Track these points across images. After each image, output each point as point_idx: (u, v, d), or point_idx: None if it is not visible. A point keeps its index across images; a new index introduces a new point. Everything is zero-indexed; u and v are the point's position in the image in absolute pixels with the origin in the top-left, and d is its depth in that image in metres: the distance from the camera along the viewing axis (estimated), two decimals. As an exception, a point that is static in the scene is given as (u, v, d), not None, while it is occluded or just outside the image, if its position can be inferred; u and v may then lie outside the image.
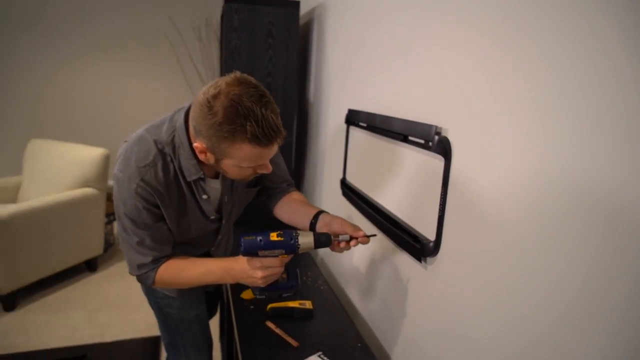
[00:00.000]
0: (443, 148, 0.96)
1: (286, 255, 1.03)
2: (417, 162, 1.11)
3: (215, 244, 1.32)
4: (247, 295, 1.51)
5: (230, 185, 1.20)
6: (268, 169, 1.04)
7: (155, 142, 1.05)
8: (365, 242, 1.06)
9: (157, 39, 3.90)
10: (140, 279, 1.15)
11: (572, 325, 0.64)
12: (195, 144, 0.98)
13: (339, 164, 1.71)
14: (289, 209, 1.30)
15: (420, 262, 1.06)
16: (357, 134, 1.54)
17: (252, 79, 0.95)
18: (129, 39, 3.90)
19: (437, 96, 1.01)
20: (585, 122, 0.62)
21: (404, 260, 1.17)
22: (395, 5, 1.23)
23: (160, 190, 1.05)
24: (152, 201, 1.05)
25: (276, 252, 1.01)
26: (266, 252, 1.01)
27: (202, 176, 1.09)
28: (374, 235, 1.08)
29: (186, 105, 1.08)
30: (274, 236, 1.00)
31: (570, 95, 0.64)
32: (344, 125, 1.63)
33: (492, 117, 0.82)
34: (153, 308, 1.42)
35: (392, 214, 1.24)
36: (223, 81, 0.93)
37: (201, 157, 1.00)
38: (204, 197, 1.13)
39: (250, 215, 1.55)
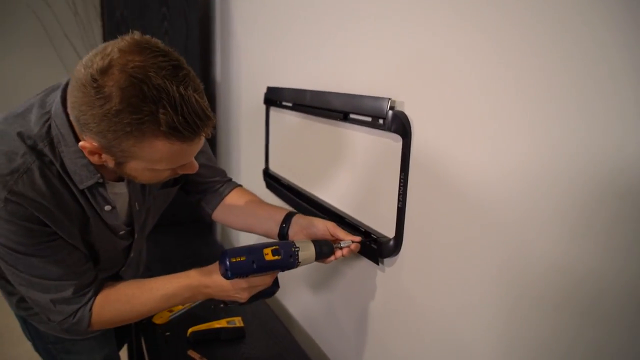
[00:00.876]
0: (400, 125, 0.78)
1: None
2: (363, 144, 0.93)
3: (127, 264, 1.01)
4: (160, 319, 1.23)
5: (140, 188, 0.91)
6: (193, 168, 0.77)
7: (21, 136, 0.73)
8: (357, 250, 0.88)
9: (19, 14, 3.24)
10: (68, 326, 0.81)
11: (573, 323, 0.50)
12: (81, 143, 0.68)
13: (260, 152, 1.47)
14: (241, 212, 1.03)
15: (378, 264, 0.89)
16: (280, 115, 1.32)
17: (159, 43, 0.66)
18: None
19: (387, 63, 0.83)
20: (588, 79, 0.47)
21: (355, 262, 0.99)
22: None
23: (45, 205, 0.73)
24: (31, 220, 0.73)
25: (270, 272, 0.82)
26: (259, 275, 0.80)
27: (100, 180, 0.78)
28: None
29: (62, 82, 0.76)
30: (269, 254, 0.79)
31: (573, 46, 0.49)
32: (263, 107, 1.40)
33: (462, 84, 0.66)
34: (43, 356, 1.08)
35: (336, 209, 1.04)
36: (115, 47, 0.63)
37: (93, 159, 0.71)
38: (107, 208, 0.83)
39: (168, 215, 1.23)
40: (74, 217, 0.79)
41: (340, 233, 0.87)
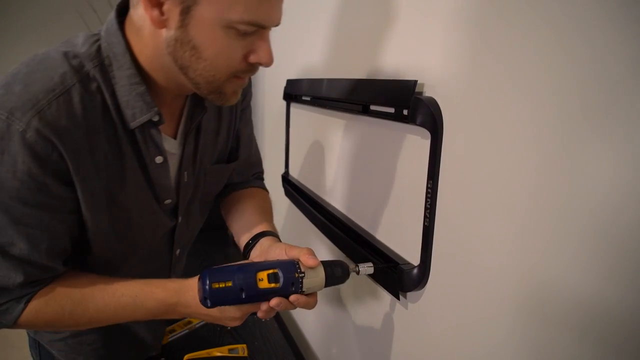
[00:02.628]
0: (428, 116, 0.58)
1: None
2: (385, 144, 0.73)
3: (172, 268, 0.83)
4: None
5: (192, 152, 0.74)
6: (268, 55, 0.60)
7: (67, 55, 0.58)
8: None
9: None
10: None
11: None
12: None
13: (280, 155, 1.31)
14: (236, 214, 0.85)
15: (399, 298, 0.68)
16: (300, 112, 1.15)
17: None
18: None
19: (413, 30, 0.64)
20: None
21: (378, 293, 0.79)
22: None
23: (76, 140, 0.56)
24: (52, 164, 0.56)
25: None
26: (250, 304, 0.63)
27: (156, 118, 0.62)
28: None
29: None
30: (264, 281, 0.60)
31: None
32: (283, 103, 1.23)
33: (522, 55, 0.45)
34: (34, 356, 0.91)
35: (354, 224, 0.85)
36: None
37: (153, 16, 0.54)
38: (158, 159, 0.66)
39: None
40: (104, 166, 0.61)
41: (295, 252, 0.64)
